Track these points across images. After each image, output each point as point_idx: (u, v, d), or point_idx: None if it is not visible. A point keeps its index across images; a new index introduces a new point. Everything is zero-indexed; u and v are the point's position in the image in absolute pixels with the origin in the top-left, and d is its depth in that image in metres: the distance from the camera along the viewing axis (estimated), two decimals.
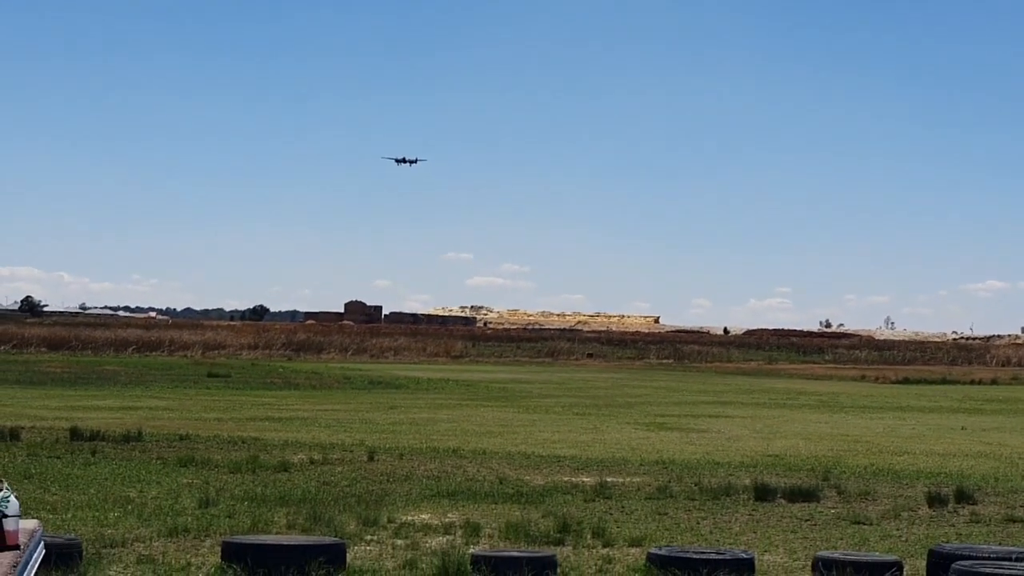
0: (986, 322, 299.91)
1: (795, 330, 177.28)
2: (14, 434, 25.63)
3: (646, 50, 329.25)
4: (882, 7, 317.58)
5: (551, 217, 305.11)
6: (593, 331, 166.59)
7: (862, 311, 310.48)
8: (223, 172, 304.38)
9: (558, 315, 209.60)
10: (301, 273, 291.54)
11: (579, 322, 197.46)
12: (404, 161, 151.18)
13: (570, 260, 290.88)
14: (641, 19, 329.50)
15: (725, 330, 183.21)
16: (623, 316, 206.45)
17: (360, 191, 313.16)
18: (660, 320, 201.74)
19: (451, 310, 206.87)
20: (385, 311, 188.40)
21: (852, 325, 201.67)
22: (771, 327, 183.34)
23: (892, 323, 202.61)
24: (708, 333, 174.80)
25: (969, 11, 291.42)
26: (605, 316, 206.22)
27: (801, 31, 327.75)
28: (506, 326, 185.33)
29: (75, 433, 25.82)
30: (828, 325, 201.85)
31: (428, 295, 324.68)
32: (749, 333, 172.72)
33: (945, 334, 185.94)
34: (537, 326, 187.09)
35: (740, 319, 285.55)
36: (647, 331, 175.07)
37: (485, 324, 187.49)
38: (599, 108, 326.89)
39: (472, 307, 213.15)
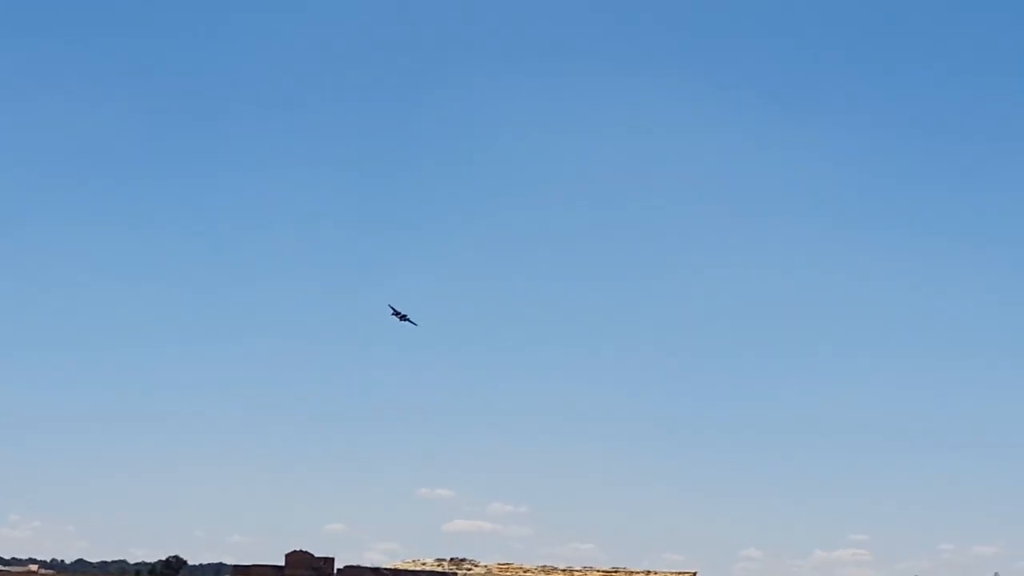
0: None
1: None
2: None
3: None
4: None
5: (553, 445, 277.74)
6: None
7: (963, 565, 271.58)
8: (128, 385, 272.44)
9: (564, 571, 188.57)
10: (229, 515, 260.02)
11: None
12: (398, 315, 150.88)
13: (579, 499, 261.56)
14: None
15: None
16: (649, 572, 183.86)
17: (308, 409, 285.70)
18: None
19: (424, 563, 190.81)
20: (338, 564, 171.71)
21: None
22: None
23: None
24: None
25: None
26: (626, 572, 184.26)
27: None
28: None
29: None
30: None
31: (395, 543, 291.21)
32: None
33: None
34: None
35: None
36: None
37: None
38: (619, 304, 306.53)
39: (452, 559, 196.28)
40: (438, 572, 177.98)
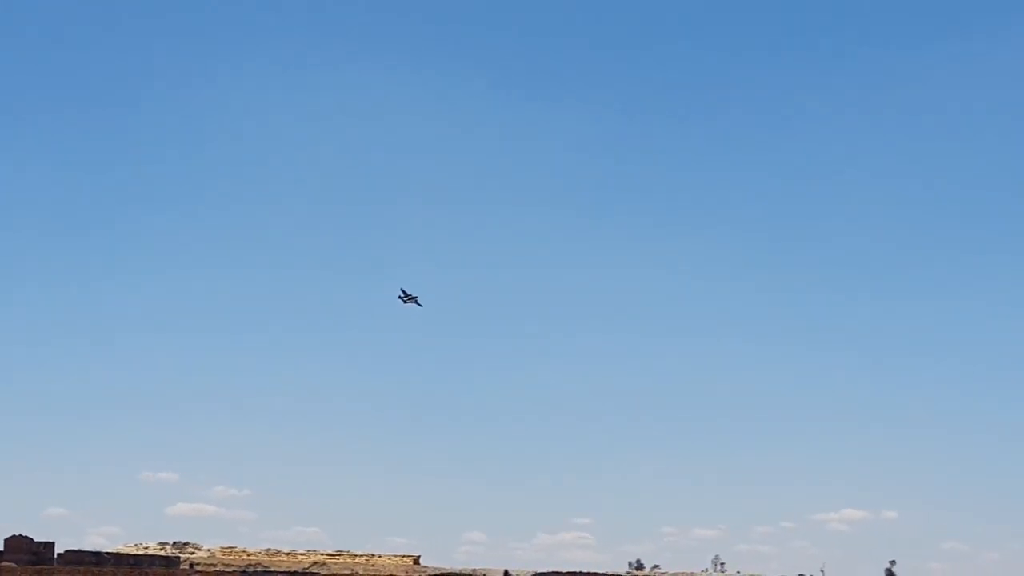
0: (843, 561, 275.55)
1: (597, 573, 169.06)
2: None
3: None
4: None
5: (278, 428, 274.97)
6: (334, 575, 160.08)
7: (684, 548, 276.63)
8: None
9: (288, 554, 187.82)
10: None
11: (315, 563, 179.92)
12: (406, 296, 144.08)
13: (303, 483, 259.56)
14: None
15: (506, 573, 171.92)
16: (373, 555, 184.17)
17: (27, 390, 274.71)
18: (421, 560, 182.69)
19: (147, 547, 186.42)
20: (59, 548, 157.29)
21: (671, 566, 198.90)
22: (566, 569, 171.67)
23: (722, 564, 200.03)
24: None
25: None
26: (350, 555, 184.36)
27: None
28: (219, 568, 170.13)
29: None
30: (640, 567, 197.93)
31: (117, 527, 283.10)
32: None
33: None
34: (261, 568, 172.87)
35: (526, 559, 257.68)
36: (404, 575, 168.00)
37: (192, 566, 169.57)
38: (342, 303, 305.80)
39: (175, 543, 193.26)
40: (160, 556, 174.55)
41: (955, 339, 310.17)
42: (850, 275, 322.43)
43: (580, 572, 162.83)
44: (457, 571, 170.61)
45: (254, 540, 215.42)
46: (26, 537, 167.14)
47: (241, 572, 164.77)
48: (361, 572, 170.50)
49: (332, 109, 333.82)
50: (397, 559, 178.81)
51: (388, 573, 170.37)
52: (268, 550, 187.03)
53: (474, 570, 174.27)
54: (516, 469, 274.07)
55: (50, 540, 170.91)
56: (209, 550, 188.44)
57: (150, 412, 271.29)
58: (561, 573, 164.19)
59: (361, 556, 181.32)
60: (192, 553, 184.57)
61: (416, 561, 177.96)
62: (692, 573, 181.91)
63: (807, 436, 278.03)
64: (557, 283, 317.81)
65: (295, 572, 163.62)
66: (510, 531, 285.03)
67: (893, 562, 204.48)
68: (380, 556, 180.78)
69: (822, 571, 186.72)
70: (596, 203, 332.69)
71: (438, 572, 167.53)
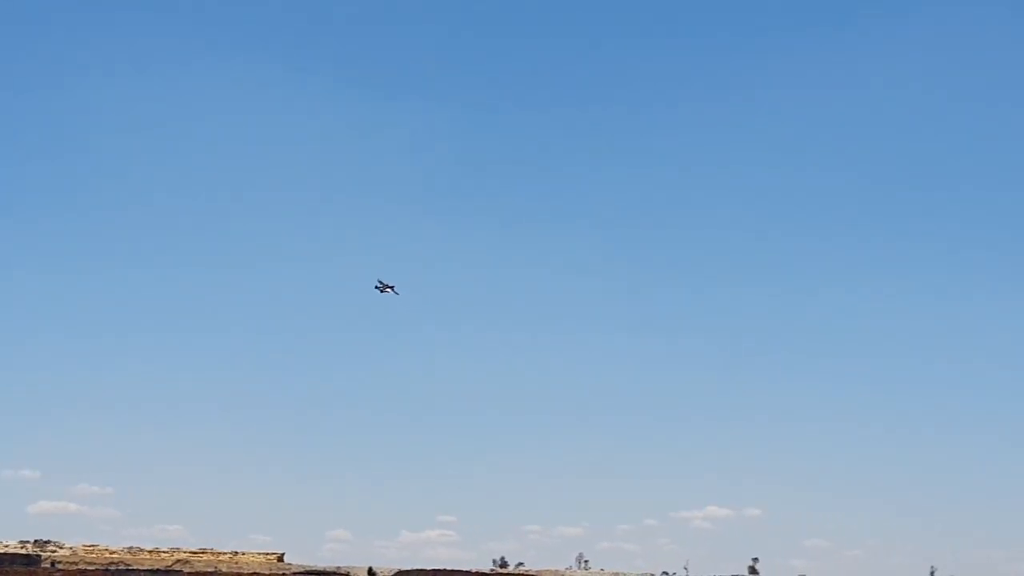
0: (706, 559, 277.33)
1: (461, 571, 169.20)
2: None
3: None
4: None
5: (139, 425, 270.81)
6: (198, 572, 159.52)
7: (548, 547, 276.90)
8: None
9: (151, 551, 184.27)
10: None
11: (178, 561, 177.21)
12: (382, 286, 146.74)
13: (165, 480, 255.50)
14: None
15: (370, 570, 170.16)
16: (236, 553, 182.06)
17: None
18: (285, 558, 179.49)
19: (7, 545, 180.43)
20: None
21: (535, 564, 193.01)
22: (431, 567, 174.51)
23: (586, 561, 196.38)
24: (349, 574, 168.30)
25: None
26: (213, 553, 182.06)
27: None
28: (82, 566, 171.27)
29: None
30: (504, 564, 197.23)
31: None
32: (402, 574, 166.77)
33: (654, 575, 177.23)
34: (124, 566, 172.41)
35: (390, 557, 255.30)
36: (268, 572, 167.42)
37: (53, 564, 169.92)
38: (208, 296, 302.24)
39: (36, 541, 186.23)
40: (21, 555, 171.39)
41: (817, 336, 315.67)
42: (716, 270, 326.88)
43: (444, 570, 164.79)
44: (321, 568, 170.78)
45: (117, 538, 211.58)
46: None
47: (103, 570, 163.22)
48: (224, 570, 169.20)
49: (198, 107, 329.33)
50: (261, 557, 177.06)
51: (251, 571, 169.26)
52: (131, 548, 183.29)
53: (338, 567, 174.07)
54: (380, 467, 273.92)
55: None
56: (71, 548, 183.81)
57: (9, 408, 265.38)
58: (425, 571, 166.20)
59: (224, 554, 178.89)
60: (54, 551, 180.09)
61: (280, 559, 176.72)
62: (556, 571, 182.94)
63: (670, 433, 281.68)
64: (418, 279, 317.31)
65: (158, 570, 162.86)
66: (374, 529, 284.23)
67: (756, 559, 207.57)
68: (244, 554, 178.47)
69: (685, 568, 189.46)
70: (440, 200, 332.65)
71: (302, 569, 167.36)
